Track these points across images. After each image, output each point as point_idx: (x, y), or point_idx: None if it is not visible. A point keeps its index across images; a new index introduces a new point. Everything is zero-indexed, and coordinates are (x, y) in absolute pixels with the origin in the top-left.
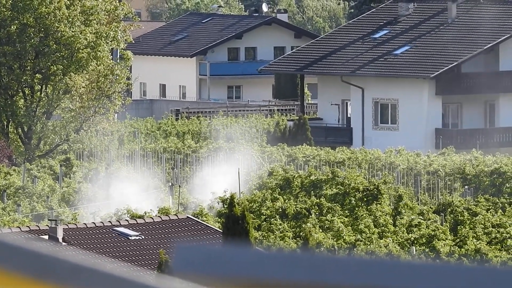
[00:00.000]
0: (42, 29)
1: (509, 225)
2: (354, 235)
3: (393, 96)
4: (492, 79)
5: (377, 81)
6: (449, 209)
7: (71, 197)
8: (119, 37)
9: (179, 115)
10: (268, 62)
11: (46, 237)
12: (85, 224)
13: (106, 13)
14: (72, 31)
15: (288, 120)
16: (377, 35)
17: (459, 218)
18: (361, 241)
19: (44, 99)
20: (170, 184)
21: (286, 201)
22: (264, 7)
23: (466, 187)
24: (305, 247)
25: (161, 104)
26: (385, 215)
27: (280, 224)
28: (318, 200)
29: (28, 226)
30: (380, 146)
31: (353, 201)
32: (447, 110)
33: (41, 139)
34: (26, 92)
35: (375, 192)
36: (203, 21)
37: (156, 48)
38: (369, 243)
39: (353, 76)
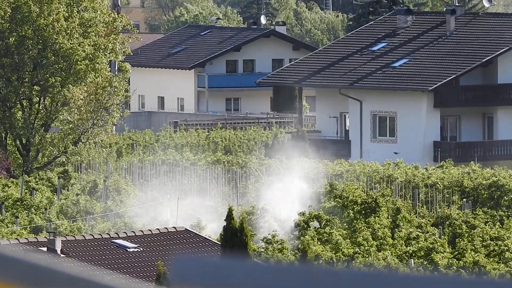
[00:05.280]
0: (41, 41)
1: (507, 238)
2: (352, 247)
3: (391, 108)
4: (490, 92)
5: (376, 93)
6: (447, 222)
7: (69, 209)
8: (117, 49)
9: (178, 127)
10: (266, 75)
11: (45, 249)
12: (83, 236)
13: (105, 25)
14: (71, 43)
15: (286, 133)
16: (375, 48)
17: (457, 231)
18: (359, 253)
19: (42, 111)
20: (168, 196)
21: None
22: (263, 20)
23: (464, 200)
24: (303, 260)
25: (160, 116)
26: (384, 228)
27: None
28: (316, 213)
29: (26, 238)
30: (378, 159)
31: (351, 214)
32: (446, 123)
33: (39, 151)
34: (24, 104)
35: (373, 204)
36: (202, 34)
37: (154, 60)
38: (367, 255)
39: (352, 89)
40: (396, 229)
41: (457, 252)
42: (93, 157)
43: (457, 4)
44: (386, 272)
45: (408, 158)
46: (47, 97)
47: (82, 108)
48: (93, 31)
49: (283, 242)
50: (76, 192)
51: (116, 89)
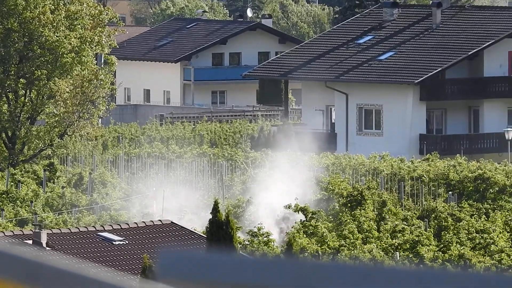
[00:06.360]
0: (27, 34)
1: (493, 231)
2: (338, 240)
3: (377, 101)
4: (476, 85)
5: (362, 86)
6: (433, 215)
7: (55, 202)
8: (103, 42)
9: (163, 120)
10: (253, 68)
11: (30, 242)
12: (69, 229)
13: (91, 18)
14: (57, 36)
15: (272, 126)
16: (361, 41)
17: (443, 223)
18: (345, 246)
19: (28, 104)
20: (154, 188)
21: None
22: (249, 13)
23: (450, 192)
24: (288, 253)
25: (145, 109)
26: (369, 221)
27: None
28: (302, 206)
29: (11, 231)
30: (364, 152)
31: (337, 207)
32: (431, 116)
33: (25, 144)
34: (10, 97)
35: (359, 197)
36: (188, 27)
37: (140, 53)
38: (353, 248)
39: (338, 82)
40: (382, 222)
41: (442, 245)
42: (79, 150)
43: None
44: (372, 265)
45: (394, 151)
46: (33, 90)
47: (68, 101)
48: (79, 24)
49: (268, 235)
50: (61, 185)
51: (102, 82)
